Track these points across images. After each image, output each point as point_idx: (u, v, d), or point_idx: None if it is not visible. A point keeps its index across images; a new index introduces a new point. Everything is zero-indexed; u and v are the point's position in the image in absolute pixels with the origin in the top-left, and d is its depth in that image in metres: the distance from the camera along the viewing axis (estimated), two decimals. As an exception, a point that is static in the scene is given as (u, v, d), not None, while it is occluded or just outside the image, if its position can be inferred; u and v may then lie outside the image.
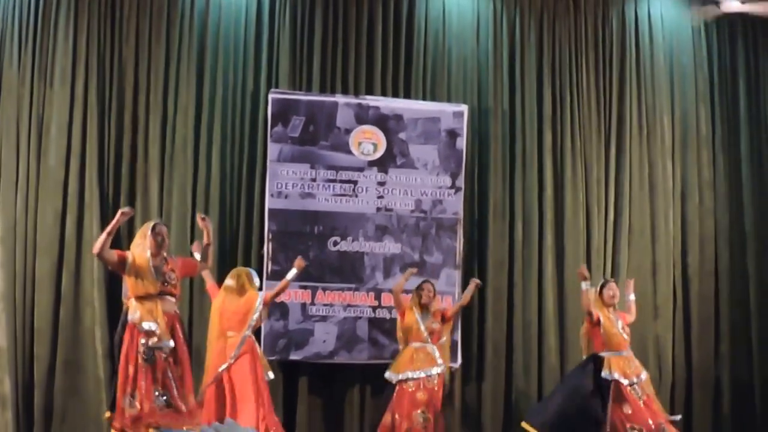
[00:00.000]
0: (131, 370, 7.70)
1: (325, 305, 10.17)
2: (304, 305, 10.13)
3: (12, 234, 9.72)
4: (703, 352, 11.08)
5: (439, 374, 9.21)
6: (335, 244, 10.26)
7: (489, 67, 11.00)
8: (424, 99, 10.74)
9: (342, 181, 10.30)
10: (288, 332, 10.08)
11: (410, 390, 9.10)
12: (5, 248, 9.68)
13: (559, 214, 10.90)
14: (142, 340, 7.72)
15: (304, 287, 10.12)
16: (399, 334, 9.45)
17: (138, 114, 10.17)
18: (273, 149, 10.19)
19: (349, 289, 10.22)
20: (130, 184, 10.10)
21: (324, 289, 10.19)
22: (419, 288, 9.44)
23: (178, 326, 7.98)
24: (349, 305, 10.20)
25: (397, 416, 9.05)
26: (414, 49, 10.82)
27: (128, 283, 7.89)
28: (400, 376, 9.15)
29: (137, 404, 7.63)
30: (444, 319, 9.44)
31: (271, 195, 10.14)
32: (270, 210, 10.12)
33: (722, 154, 11.48)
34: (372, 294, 10.24)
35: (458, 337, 10.24)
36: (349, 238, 10.28)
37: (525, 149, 10.95)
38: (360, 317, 10.21)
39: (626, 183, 11.09)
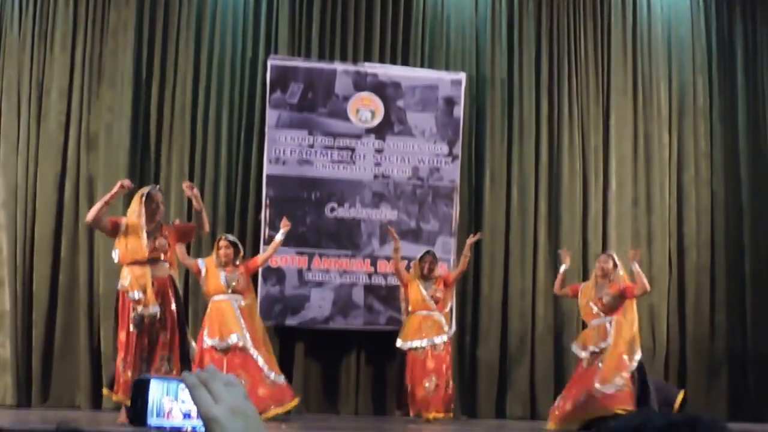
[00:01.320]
0: (123, 336, 7.77)
1: (321, 271, 10.26)
2: (300, 271, 10.22)
3: (13, 198, 9.85)
4: (698, 323, 11.14)
5: (445, 342, 9.36)
6: (332, 210, 10.34)
7: (487, 35, 11.06)
8: (422, 67, 10.81)
9: (339, 148, 10.36)
10: (284, 298, 10.18)
11: (420, 358, 9.23)
12: (7, 212, 9.81)
13: (556, 182, 10.98)
14: (135, 308, 7.76)
15: (301, 253, 10.21)
16: (403, 305, 9.57)
17: (137, 79, 10.25)
18: (271, 115, 10.25)
19: (346, 255, 10.30)
20: (132, 147, 10.19)
21: (320, 256, 10.28)
22: (422, 259, 9.53)
23: (170, 291, 7.93)
24: (345, 271, 10.28)
25: (409, 384, 9.24)
26: (413, 17, 10.89)
27: (119, 250, 7.91)
28: (409, 344, 9.28)
29: (128, 370, 7.71)
30: (446, 285, 9.54)
31: (269, 161, 10.21)
32: (268, 176, 10.21)
33: (719, 125, 11.51)
34: (368, 260, 10.31)
35: (454, 304, 10.31)
36: (346, 205, 10.36)
37: (522, 118, 11.01)
38: (356, 283, 10.30)
39: (623, 152, 11.15)
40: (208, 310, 8.57)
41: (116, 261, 8.00)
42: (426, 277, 9.44)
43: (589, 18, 11.30)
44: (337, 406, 10.37)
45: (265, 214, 10.15)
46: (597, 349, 8.90)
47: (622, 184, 11.09)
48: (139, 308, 7.74)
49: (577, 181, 10.99)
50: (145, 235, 7.82)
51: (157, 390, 1.37)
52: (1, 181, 9.86)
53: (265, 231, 10.11)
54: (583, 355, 8.95)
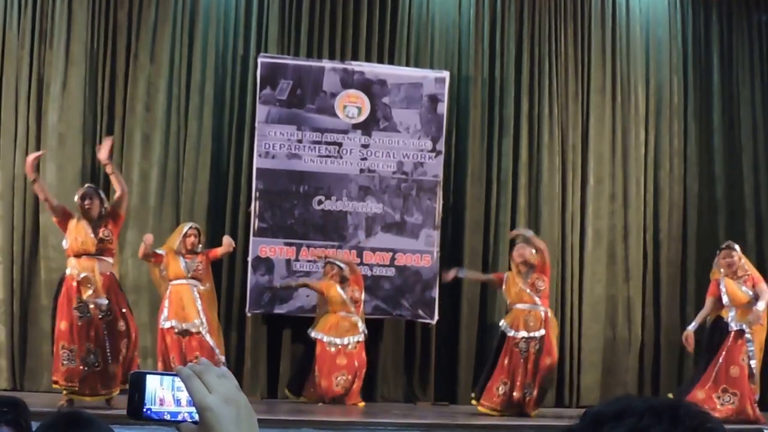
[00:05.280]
0: (64, 326, 8.11)
1: (308, 261, 10.56)
2: (288, 261, 10.53)
3: (10, 190, 10.11)
4: (671, 314, 11.46)
5: (359, 342, 9.87)
6: (320, 203, 10.64)
7: (470, 35, 11.33)
8: (407, 65, 11.11)
9: (327, 143, 10.66)
10: (273, 287, 10.48)
11: (331, 352, 9.74)
12: (4, 203, 10.10)
13: (535, 178, 11.27)
14: (82, 294, 8.12)
15: (289, 244, 10.53)
16: (320, 303, 10.17)
17: (133, 75, 10.55)
18: (261, 111, 10.55)
19: (332, 246, 10.60)
20: (128, 140, 10.51)
21: (308, 246, 10.58)
22: (332, 265, 10.07)
23: (115, 287, 8.39)
24: (331, 262, 10.57)
25: (317, 374, 9.73)
26: (399, 17, 11.17)
27: (69, 240, 8.33)
28: (325, 339, 9.81)
29: (75, 358, 8.04)
30: (358, 285, 10.06)
31: (259, 155, 10.51)
32: (257, 169, 10.51)
33: (694, 124, 11.78)
34: (354, 252, 10.61)
35: (436, 294, 10.68)
36: (333, 198, 10.66)
37: (503, 116, 11.31)
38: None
39: (601, 150, 11.45)
40: (168, 292, 9.06)
41: (65, 248, 8.44)
42: (343, 279, 9.96)
43: (570, 20, 11.54)
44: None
45: (254, 206, 10.46)
46: (529, 336, 9.40)
47: (599, 181, 11.38)
48: (85, 295, 8.09)
49: (556, 178, 11.26)
50: (88, 231, 8.22)
51: (153, 383, 1.40)
52: (-1, 173, 10.18)
53: (254, 222, 10.43)
54: (512, 333, 9.43)
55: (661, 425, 1.24)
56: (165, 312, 9.03)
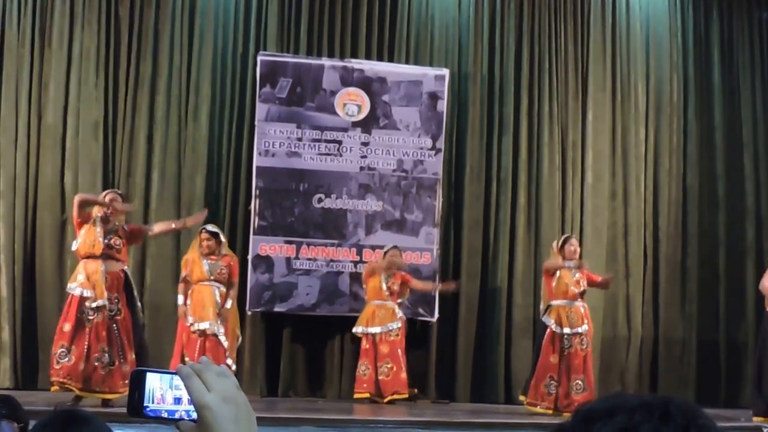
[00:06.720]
0: (67, 327, 8.16)
1: (308, 260, 10.58)
2: (288, 259, 10.54)
3: (12, 189, 10.13)
4: (671, 311, 11.45)
5: (399, 327, 9.87)
6: (320, 201, 10.64)
7: (470, 33, 11.34)
8: (407, 63, 11.11)
9: (327, 141, 10.67)
10: (273, 285, 10.50)
11: (375, 342, 9.78)
12: (5, 202, 10.11)
13: (535, 176, 11.27)
14: (86, 303, 8.19)
15: (290, 242, 10.54)
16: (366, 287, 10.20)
17: (133, 73, 10.56)
18: (261, 109, 10.56)
19: (332, 244, 10.62)
20: (128, 139, 10.53)
21: (308, 245, 10.59)
22: (388, 253, 10.07)
23: (122, 285, 8.40)
24: (331, 260, 10.61)
25: (365, 367, 9.79)
26: (398, 15, 11.17)
27: (79, 241, 8.39)
28: (367, 330, 9.86)
29: (72, 357, 8.08)
30: (403, 281, 10.08)
31: (259, 153, 10.52)
32: (257, 167, 10.52)
33: (694, 121, 11.76)
34: (354, 249, 10.64)
35: (436, 293, 10.67)
36: (333, 196, 10.67)
37: (503, 113, 11.31)
38: (342, 272, 10.63)
39: (601, 147, 11.44)
40: (191, 292, 9.15)
41: (74, 250, 8.51)
42: (388, 270, 9.98)
43: (569, 17, 11.54)
44: (323, 389, 10.69)
45: (254, 205, 10.47)
46: (573, 332, 9.37)
47: (599, 178, 11.38)
48: (88, 303, 8.16)
49: (556, 176, 11.26)
50: (101, 235, 8.27)
51: (153, 381, 1.41)
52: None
53: (254, 221, 10.44)
54: (555, 329, 9.38)
55: (651, 422, 1.22)
56: (187, 310, 9.12)
